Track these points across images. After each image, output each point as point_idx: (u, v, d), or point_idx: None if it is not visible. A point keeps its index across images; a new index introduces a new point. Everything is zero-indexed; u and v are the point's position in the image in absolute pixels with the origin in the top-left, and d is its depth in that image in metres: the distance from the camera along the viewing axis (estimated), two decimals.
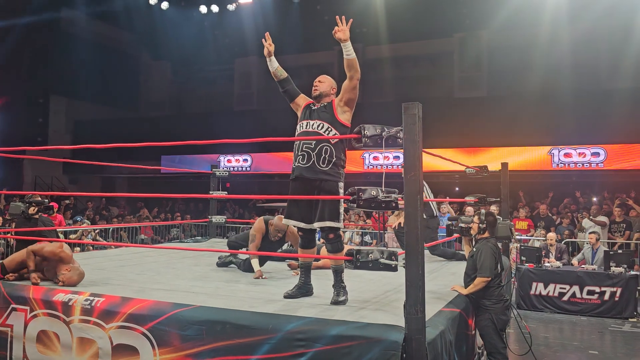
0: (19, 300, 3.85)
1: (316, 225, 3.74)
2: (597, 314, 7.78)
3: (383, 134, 3.24)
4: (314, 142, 3.71)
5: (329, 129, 3.72)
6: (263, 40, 4.01)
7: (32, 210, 5.40)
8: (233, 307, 3.42)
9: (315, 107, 3.86)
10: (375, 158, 13.85)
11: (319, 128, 3.74)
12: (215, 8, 17.05)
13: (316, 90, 3.88)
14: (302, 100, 4.01)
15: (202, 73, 21.27)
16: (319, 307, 3.49)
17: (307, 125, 3.81)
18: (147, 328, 3.36)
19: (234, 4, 16.78)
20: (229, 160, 16.07)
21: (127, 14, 16.97)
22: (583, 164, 12.26)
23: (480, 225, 4.38)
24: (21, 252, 4.31)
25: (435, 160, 7.83)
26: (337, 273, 3.70)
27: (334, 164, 3.71)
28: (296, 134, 3.88)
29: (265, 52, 4.00)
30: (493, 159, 12.08)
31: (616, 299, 7.73)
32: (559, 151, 12.45)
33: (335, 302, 3.59)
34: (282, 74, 4.03)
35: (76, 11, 17.80)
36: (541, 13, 14.00)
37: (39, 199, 5.54)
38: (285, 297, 3.77)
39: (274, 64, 4.03)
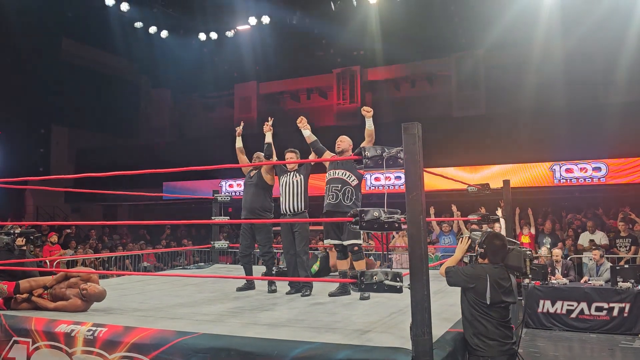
0: (21, 333, 3.81)
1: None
2: (607, 330, 7.67)
3: (384, 154, 3.24)
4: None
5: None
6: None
7: (20, 241, 5.27)
8: (237, 333, 3.38)
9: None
10: (376, 179, 13.84)
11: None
12: (214, 35, 17.31)
13: (338, 147, 5.11)
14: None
15: (202, 99, 21.45)
16: (325, 331, 3.45)
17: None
18: (151, 357, 3.32)
19: (233, 31, 17.02)
20: (230, 185, 16.05)
21: (127, 43, 17.16)
22: (585, 179, 12.22)
23: (478, 249, 3.43)
24: (42, 279, 4.44)
25: (437, 179, 7.81)
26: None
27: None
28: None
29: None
30: (494, 176, 12.08)
31: (625, 314, 7.64)
32: (560, 167, 12.43)
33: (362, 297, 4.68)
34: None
35: (76, 41, 18.04)
36: (535, 29, 14.14)
37: (19, 229, 5.41)
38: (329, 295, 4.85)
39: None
